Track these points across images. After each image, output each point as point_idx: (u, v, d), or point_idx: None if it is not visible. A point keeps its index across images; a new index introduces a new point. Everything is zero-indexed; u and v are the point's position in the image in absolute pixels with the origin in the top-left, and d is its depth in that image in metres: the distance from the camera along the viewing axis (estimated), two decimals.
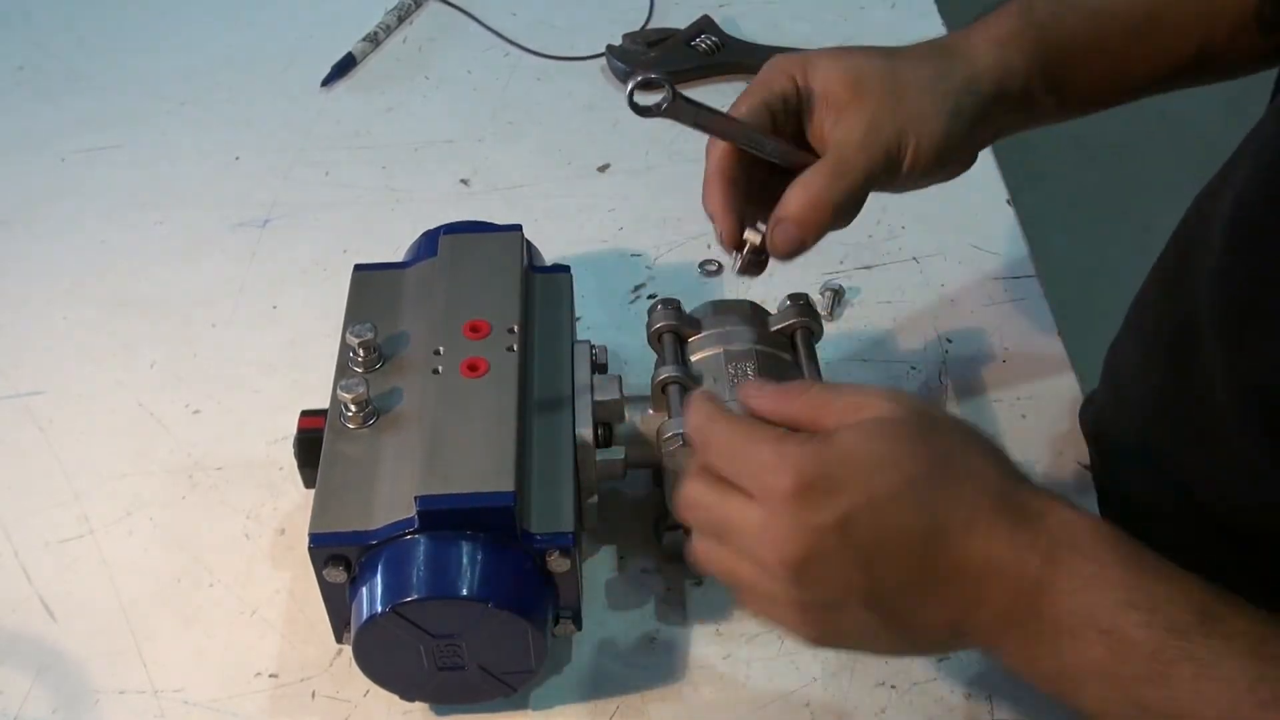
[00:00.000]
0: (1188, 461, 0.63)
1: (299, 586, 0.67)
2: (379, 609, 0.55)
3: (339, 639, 0.61)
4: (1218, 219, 0.57)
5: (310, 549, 0.57)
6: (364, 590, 0.56)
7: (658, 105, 0.55)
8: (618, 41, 1.01)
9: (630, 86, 0.54)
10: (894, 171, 0.59)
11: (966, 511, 0.46)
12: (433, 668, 0.58)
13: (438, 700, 0.62)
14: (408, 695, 0.61)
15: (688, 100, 0.56)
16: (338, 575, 0.57)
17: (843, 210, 0.58)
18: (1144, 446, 0.66)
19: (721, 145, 0.60)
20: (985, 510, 0.47)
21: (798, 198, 0.58)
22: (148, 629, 0.66)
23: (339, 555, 0.57)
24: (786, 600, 0.48)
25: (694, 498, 0.50)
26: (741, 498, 0.48)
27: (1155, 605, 0.44)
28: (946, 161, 0.61)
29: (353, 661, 0.61)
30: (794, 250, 0.58)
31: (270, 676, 0.64)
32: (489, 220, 0.73)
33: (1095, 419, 0.73)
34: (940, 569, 0.46)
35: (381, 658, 0.57)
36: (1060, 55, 0.62)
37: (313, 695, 0.63)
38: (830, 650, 0.55)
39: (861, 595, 0.47)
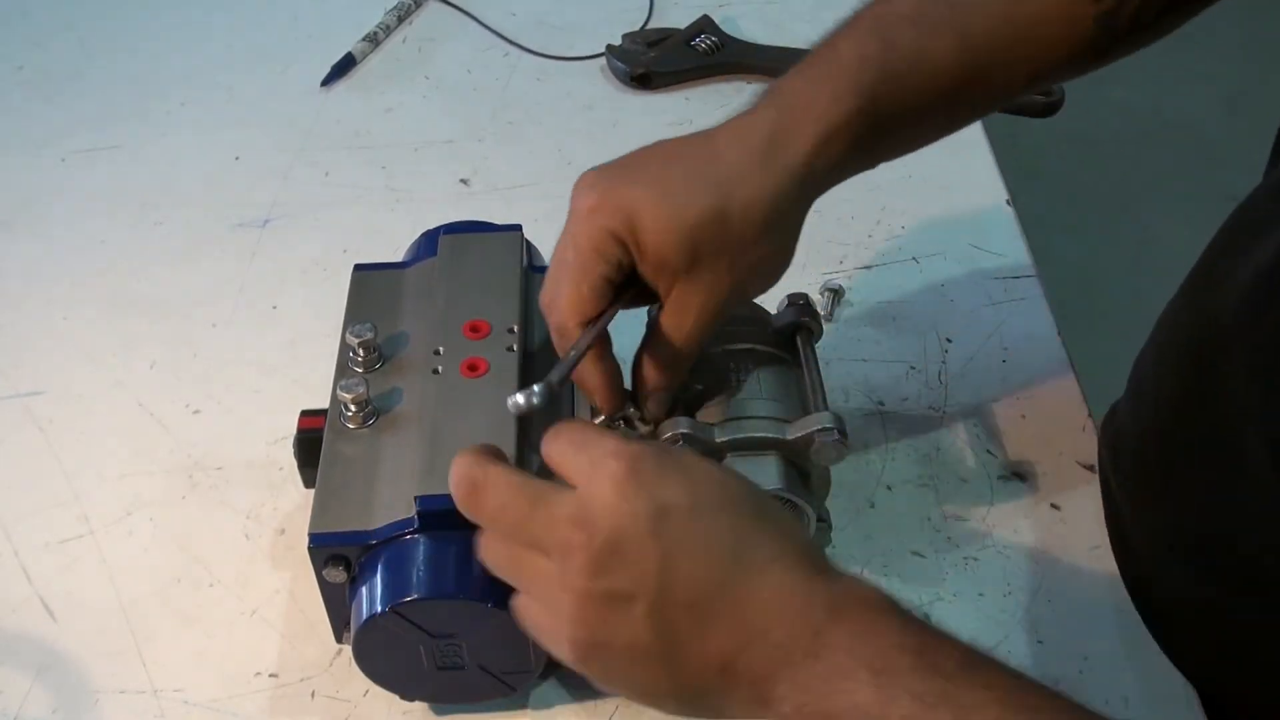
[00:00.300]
0: (1208, 495, 0.61)
1: (299, 586, 0.67)
2: (379, 609, 0.55)
3: (339, 639, 0.61)
4: (1258, 254, 0.55)
5: (310, 549, 0.57)
6: (364, 590, 0.56)
7: (534, 406, 0.54)
8: (618, 41, 1.01)
9: (512, 406, 0.54)
10: (726, 304, 0.58)
11: (774, 548, 0.47)
12: (432, 667, 0.58)
13: (437, 700, 0.62)
14: (407, 695, 0.61)
15: (561, 384, 0.55)
16: (337, 575, 0.57)
17: (689, 363, 0.60)
18: (1164, 475, 0.65)
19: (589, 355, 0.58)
20: (791, 554, 0.47)
21: (647, 368, 0.59)
22: (148, 629, 0.66)
23: (339, 555, 0.57)
24: (573, 588, 0.47)
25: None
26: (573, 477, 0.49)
27: (923, 649, 0.45)
28: (774, 274, 0.60)
29: (352, 661, 0.61)
30: (661, 409, 0.60)
31: (270, 676, 0.64)
32: (489, 220, 0.73)
33: (1114, 435, 0.71)
34: (732, 594, 0.46)
35: (381, 657, 0.57)
36: (887, 125, 0.58)
37: (312, 695, 0.63)
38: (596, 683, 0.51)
39: (651, 596, 0.46)
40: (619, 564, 0.47)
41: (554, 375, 0.55)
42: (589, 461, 0.49)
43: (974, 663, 0.46)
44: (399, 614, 0.55)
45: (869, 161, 0.60)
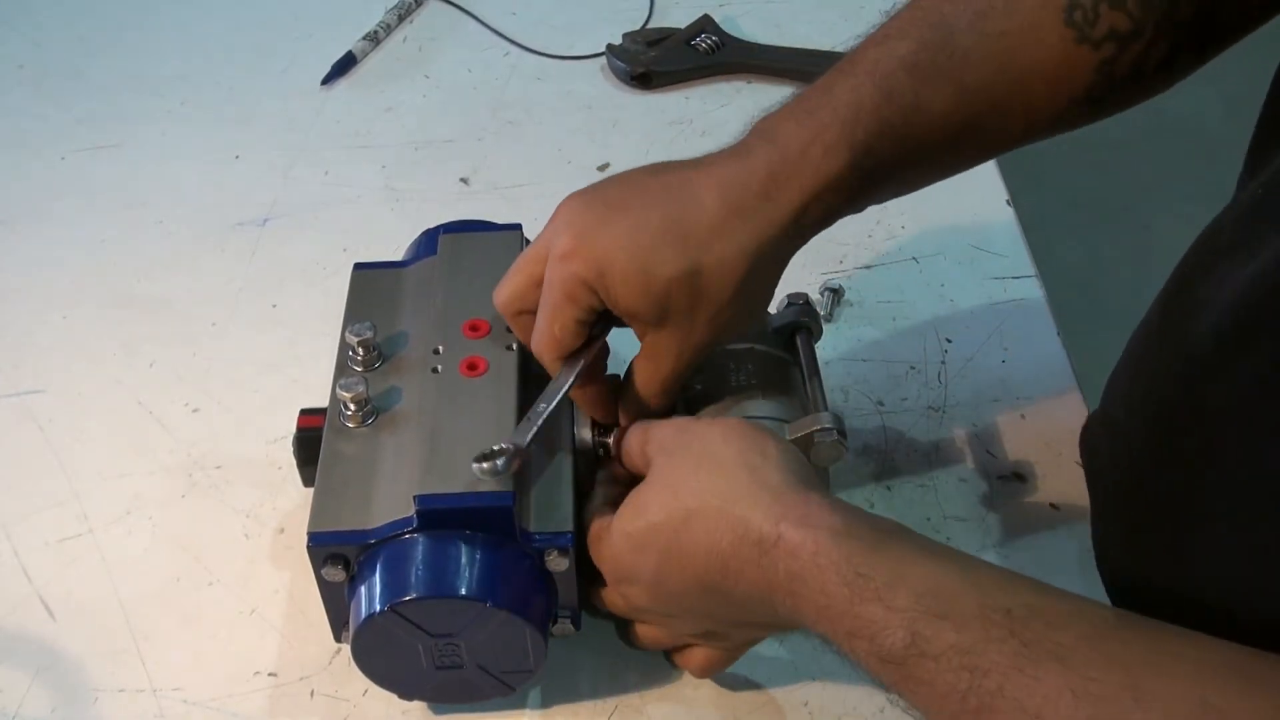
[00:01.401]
0: (1178, 530, 0.57)
1: (298, 586, 0.67)
2: (377, 608, 0.55)
3: (338, 638, 0.61)
4: (1230, 286, 0.52)
5: (309, 548, 0.57)
6: (363, 589, 0.56)
7: (498, 473, 0.56)
8: (618, 41, 1.01)
9: (478, 470, 0.56)
10: (710, 344, 0.59)
11: (714, 561, 0.52)
12: (431, 667, 0.58)
13: (436, 699, 0.62)
14: (406, 694, 0.61)
15: (521, 448, 0.57)
16: (336, 574, 0.57)
17: (672, 397, 0.61)
18: (1134, 502, 0.61)
19: (502, 292, 0.60)
20: (726, 551, 0.52)
21: (630, 415, 0.61)
22: (147, 628, 0.66)
23: (338, 554, 0.57)
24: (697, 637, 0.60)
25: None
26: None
27: (873, 634, 0.47)
28: (753, 317, 0.61)
29: (351, 661, 0.61)
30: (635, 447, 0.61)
31: (269, 676, 0.64)
32: (489, 219, 0.73)
33: (1090, 450, 0.69)
34: (736, 603, 0.53)
35: (380, 657, 0.57)
36: (878, 177, 0.57)
37: (312, 694, 0.63)
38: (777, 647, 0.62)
39: (716, 624, 0.58)
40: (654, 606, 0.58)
41: (519, 437, 0.57)
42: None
43: (920, 634, 0.47)
44: (398, 613, 0.55)
45: (856, 209, 0.59)
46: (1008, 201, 0.89)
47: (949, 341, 0.80)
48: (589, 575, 0.59)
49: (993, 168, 0.91)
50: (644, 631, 0.61)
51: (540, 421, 0.58)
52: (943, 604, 0.47)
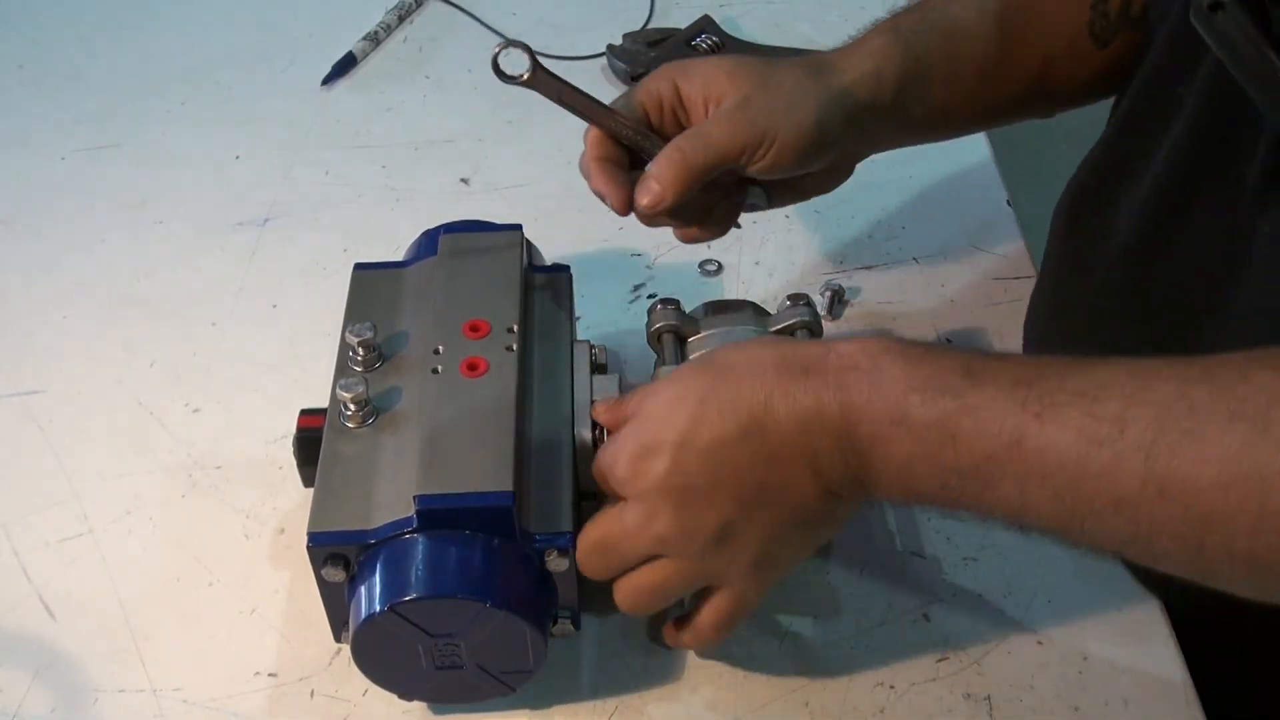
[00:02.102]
0: None
1: (298, 586, 0.67)
2: (377, 608, 0.55)
3: (337, 638, 0.61)
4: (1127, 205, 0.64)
5: (309, 548, 0.57)
6: (362, 589, 0.56)
7: (519, 75, 0.59)
8: (618, 41, 1.01)
9: (495, 52, 0.58)
10: (759, 152, 0.63)
11: (759, 393, 0.52)
12: (431, 667, 0.58)
13: (436, 700, 0.62)
14: (406, 695, 0.61)
15: (550, 74, 0.62)
16: (336, 574, 0.57)
17: (704, 173, 0.63)
18: None
19: (595, 130, 0.66)
20: (772, 380, 0.52)
21: (662, 157, 0.63)
22: (147, 628, 0.66)
23: (338, 554, 0.57)
24: (694, 556, 0.55)
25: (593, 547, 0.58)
26: (609, 506, 0.56)
27: (926, 384, 0.49)
28: (815, 157, 0.65)
29: (351, 661, 0.61)
30: (654, 205, 0.63)
31: (269, 676, 0.64)
32: (489, 220, 0.73)
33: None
34: (772, 448, 0.52)
35: (380, 657, 0.57)
36: (921, 69, 0.67)
37: (312, 695, 0.63)
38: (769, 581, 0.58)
39: (737, 508, 0.53)
40: (693, 521, 0.54)
41: (556, 73, 0.63)
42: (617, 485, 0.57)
43: (972, 369, 0.50)
44: (397, 613, 0.55)
45: (913, 110, 0.67)
46: (1008, 201, 0.89)
47: (949, 341, 0.80)
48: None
49: (992, 168, 0.91)
50: (641, 580, 0.57)
51: (565, 85, 0.63)
52: (988, 353, 0.51)
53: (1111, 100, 0.70)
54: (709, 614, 0.58)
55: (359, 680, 0.59)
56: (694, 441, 0.53)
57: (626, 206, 0.64)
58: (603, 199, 0.65)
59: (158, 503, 0.72)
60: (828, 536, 0.58)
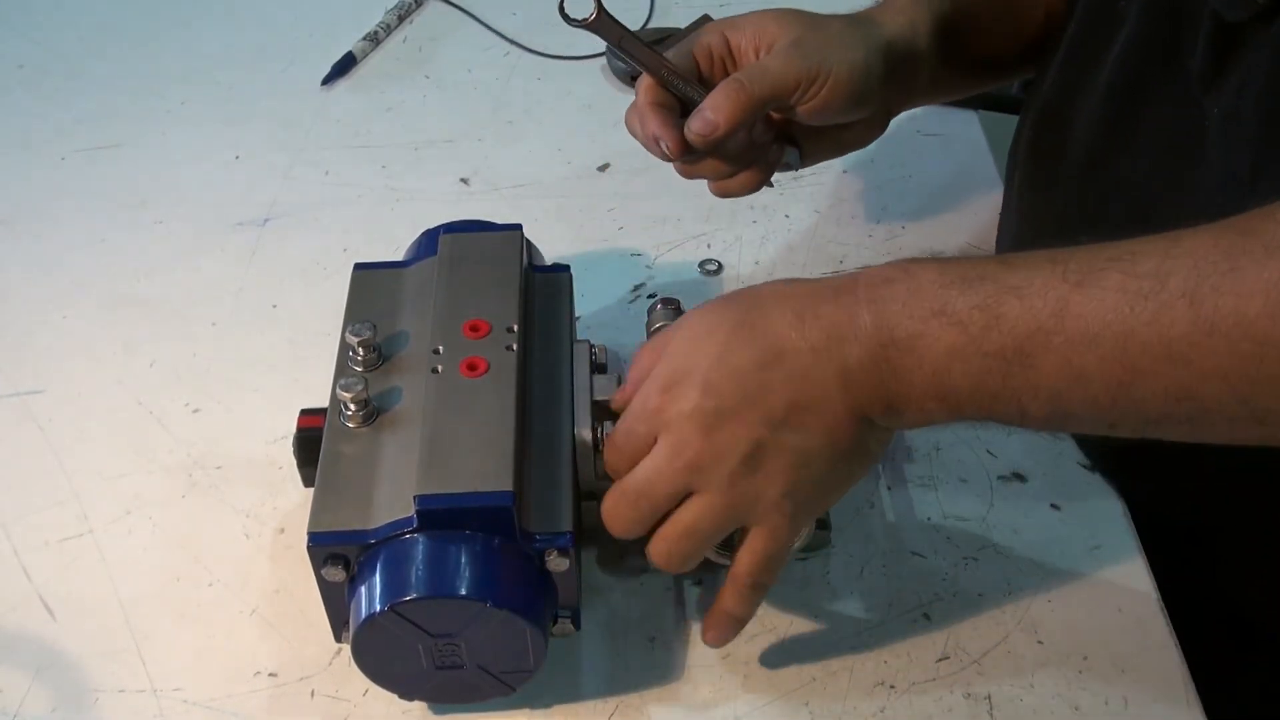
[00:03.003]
0: None
1: (298, 586, 0.67)
2: (377, 608, 0.55)
3: (338, 638, 0.61)
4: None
5: (309, 548, 0.57)
6: (362, 589, 0.56)
7: (585, 18, 0.63)
8: None
9: None
10: (813, 89, 0.66)
11: (789, 314, 0.52)
12: (431, 667, 0.58)
13: (436, 699, 0.61)
14: (406, 694, 0.61)
15: (612, 19, 0.66)
16: (336, 574, 0.57)
17: (759, 104, 0.65)
18: None
19: (649, 80, 0.67)
20: (802, 300, 0.53)
21: (719, 90, 0.65)
22: (147, 628, 0.66)
23: (338, 554, 0.57)
24: (724, 484, 0.54)
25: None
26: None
27: (964, 277, 0.50)
28: (862, 100, 0.68)
29: (352, 661, 0.61)
30: (708, 132, 0.65)
31: (269, 676, 0.64)
32: (489, 220, 0.73)
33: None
34: (804, 366, 0.52)
35: (380, 657, 0.57)
36: (947, 24, 0.71)
37: (312, 695, 0.63)
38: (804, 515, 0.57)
39: (767, 429, 0.53)
40: (727, 444, 0.53)
41: (621, 22, 0.67)
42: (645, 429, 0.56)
43: (1006, 258, 0.51)
44: (398, 613, 0.55)
45: (943, 66, 0.72)
46: None
47: None
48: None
49: (992, 168, 0.91)
50: (674, 525, 0.56)
51: (627, 32, 0.66)
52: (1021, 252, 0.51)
53: None
54: (745, 558, 0.56)
55: (359, 680, 0.59)
56: (723, 365, 0.53)
57: (681, 149, 0.66)
58: (657, 143, 0.67)
59: (158, 503, 0.72)
60: (858, 474, 0.56)
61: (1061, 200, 0.71)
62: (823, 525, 0.65)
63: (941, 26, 0.71)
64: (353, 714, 0.62)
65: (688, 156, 0.67)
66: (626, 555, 0.66)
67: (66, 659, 0.65)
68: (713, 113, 0.64)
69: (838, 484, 0.56)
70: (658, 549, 0.57)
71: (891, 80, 0.69)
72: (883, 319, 0.51)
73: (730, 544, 0.58)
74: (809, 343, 0.52)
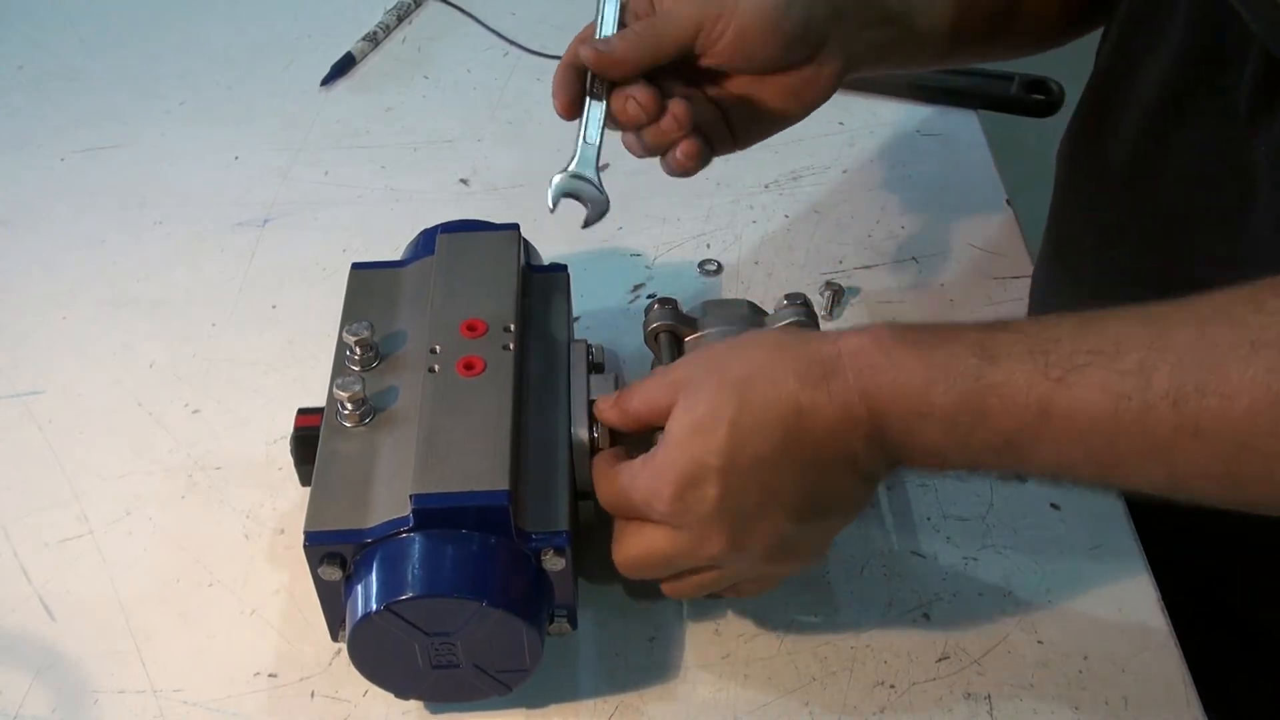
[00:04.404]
0: None
1: (298, 586, 0.67)
2: (374, 607, 0.55)
3: (334, 637, 0.61)
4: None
5: (305, 547, 0.57)
6: (359, 588, 0.56)
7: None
8: None
9: None
10: (717, 29, 0.62)
11: (787, 405, 0.52)
12: (427, 666, 0.58)
13: (433, 698, 0.61)
14: (403, 693, 0.61)
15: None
16: (333, 573, 0.57)
17: (658, 50, 0.62)
18: None
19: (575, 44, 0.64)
20: (795, 390, 0.52)
21: (624, 31, 0.64)
22: (147, 629, 0.66)
23: (334, 553, 0.57)
24: (747, 565, 0.55)
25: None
26: (652, 528, 0.56)
27: (945, 370, 0.49)
28: (783, 45, 0.63)
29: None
30: (597, 60, 0.63)
31: (269, 676, 0.64)
32: (489, 220, 0.73)
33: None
34: (813, 456, 0.52)
35: (376, 656, 0.57)
36: None
37: (312, 695, 0.63)
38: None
39: (792, 523, 0.53)
40: (748, 538, 0.54)
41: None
42: (647, 509, 0.56)
43: (986, 347, 0.50)
44: (394, 612, 0.55)
45: (903, 26, 0.66)
46: (1008, 201, 0.89)
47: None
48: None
49: (992, 168, 0.91)
50: (688, 583, 0.58)
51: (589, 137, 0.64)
52: (999, 325, 0.51)
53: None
54: (734, 591, 0.60)
55: (359, 680, 0.59)
56: (737, 463, 0.52)
57: (569, 111, 0.65)
58: (554, 98, 0.65)
59: (158, 503, 0.72)
60: (863, 510, 0.59)
61: (1100, 221, 0.69)
62: None
63: None
64: (353, 714, 0.62)
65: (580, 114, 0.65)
66: None
67: (66, 659, 0.65)
68: (603, 44, 0.63)
69: (843, 526, 0.58)
70: (675, 590, 0.59)
71: (831, 24, 0.63)
72: (876, 414, 0.51)
73: None
74: (814, 437, 0.52)
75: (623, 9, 0.66)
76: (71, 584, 0.68)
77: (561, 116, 0.65)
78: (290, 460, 0.66)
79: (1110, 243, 0.68)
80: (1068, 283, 0.73)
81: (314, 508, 0.58)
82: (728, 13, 0.62)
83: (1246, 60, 0.54)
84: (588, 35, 0.65)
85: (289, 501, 0.72)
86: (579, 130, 0.65)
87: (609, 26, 0.65)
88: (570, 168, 0.66)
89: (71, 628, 0.66)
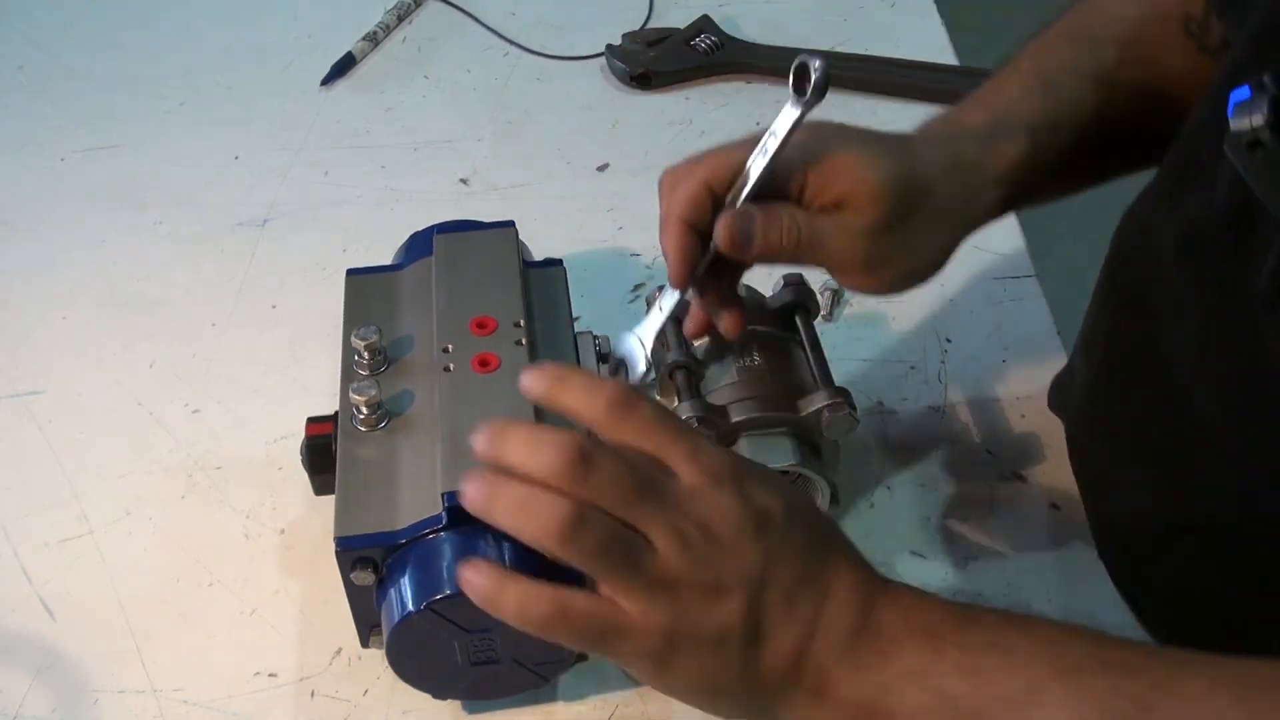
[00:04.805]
0: (1162, 457, 0.61)
1: (298, 586, 0.67)
2: (412, 608, 0.55)
3: (364, 643, 0.61)
4: (1193, 200, 0.56)
5: (338, 553, 0.56)
6: (394, 591, 0.56)
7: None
8: (617, 41, 1.01)
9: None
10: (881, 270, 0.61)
11: (844, 551, 0.52)
12: (466, 664, 0.57)
13: (470, 696, 0.61)
14: (441, 694, 0.61)
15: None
16: (365, 578, 0.57)
17: (793, 258, 0.59)
18: (1114, 432, 0.65)
19: (686, 189, 0.58)
20: (853, 556, 0.52)
21: (769, 218, 0.58)
22: (147, 629, 0.66)
23: (366, 558, 0.57)
24: (679, 576, 0.48)
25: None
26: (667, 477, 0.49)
27: (965, 611, 0.50)
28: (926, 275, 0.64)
29: (352, 661, 0.62)
30: (740, 252, 0.58)
31: (269, 676, 0.64)
32: (489, 220, 0.73)
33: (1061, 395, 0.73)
34: (815, 589, 0.49)
35: (416, 657, 0.57)
36: (1045, 167, 0.62)
37: (312, 695, 0.63)
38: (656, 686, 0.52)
39: (753, 588, 0.48)
40: (727, 559, 0.48)
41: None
42: (688, 454, 0.49)
43: (1013, 616, 0.49)
44: (434, 611, 0.55)
45: (1013, 205, 0.65)
46: None
47: (949, 341, 0.80)
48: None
49: None
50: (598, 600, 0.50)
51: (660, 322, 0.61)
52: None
53: None
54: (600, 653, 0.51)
55: (359, 680, 0.59)
56: (791, 521, 0.50)
57: (682, 282, 0.60)
58: (666, 258, 0.60)
59: (158, 503, 0.72)
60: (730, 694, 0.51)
61: (1125, 328, 0.64)
62: (834, 498, 0.65)
63: (1036, 182, 0.63)
64: (353, 714, 0.62)
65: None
66: None
67: (66, 659, 0.65)
68: (747, 226, 0.57)
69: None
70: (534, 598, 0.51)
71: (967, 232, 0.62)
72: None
73: None
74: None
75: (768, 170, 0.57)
76: (71, 584, 0.68)
77: (674, 286, 0.60)
78: (291, 460, 0.66)
79: (1132, 365, 0.63)
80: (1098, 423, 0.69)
81: (341, 513, 0.58)
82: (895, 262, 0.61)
83: (1269, 249, 0.50)
84: (716, 181, 0.58)
85: (289, 501, 0.72)
86: (657, 294, 0.63)
87: (749, 188, 0.57)
88: (637, 329, 0.63)
89: (71, 628, 0.66)
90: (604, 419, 0.50)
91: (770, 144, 0.56)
